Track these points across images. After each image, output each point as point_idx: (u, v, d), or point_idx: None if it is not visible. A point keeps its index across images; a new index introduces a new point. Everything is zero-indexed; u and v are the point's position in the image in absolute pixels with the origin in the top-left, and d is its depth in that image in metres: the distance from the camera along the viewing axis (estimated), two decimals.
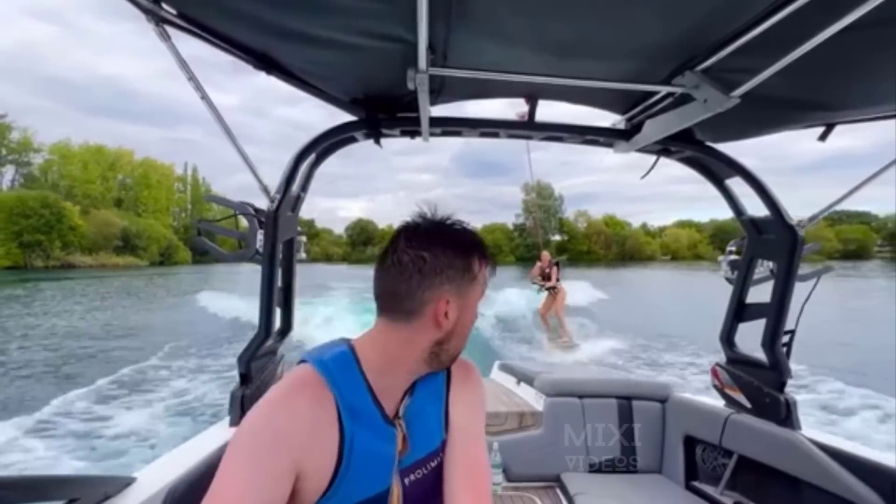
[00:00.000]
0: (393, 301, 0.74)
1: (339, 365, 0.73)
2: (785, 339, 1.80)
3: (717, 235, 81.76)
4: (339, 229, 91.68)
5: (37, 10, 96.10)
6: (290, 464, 0.64)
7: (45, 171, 60.65)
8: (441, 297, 0.73)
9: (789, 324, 1.81)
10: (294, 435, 0.65)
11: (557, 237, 75.66)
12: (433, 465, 0.80)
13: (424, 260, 0.72)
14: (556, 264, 9.63)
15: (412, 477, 0.77)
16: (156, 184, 69.58)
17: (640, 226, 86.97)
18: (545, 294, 9.54)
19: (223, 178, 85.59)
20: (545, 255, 9.83)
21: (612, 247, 75.73)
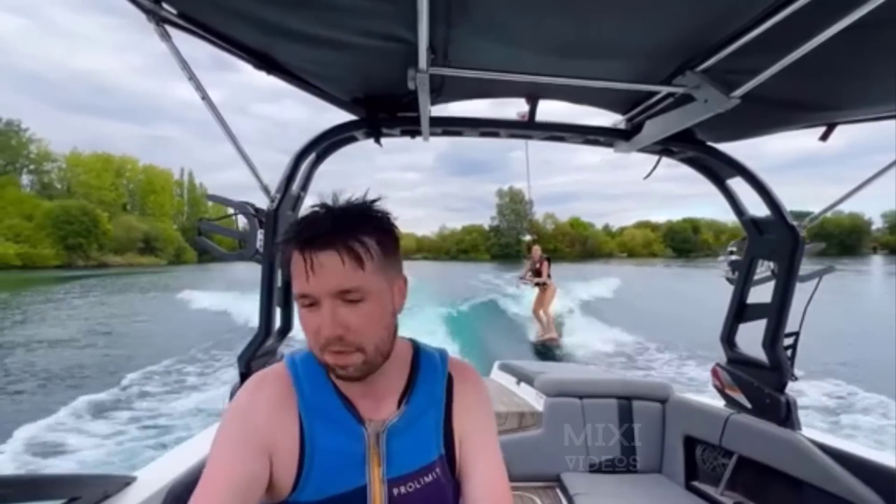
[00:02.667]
0: None
1: (307, 366, 0.75)
2: (788, 341, 1.81)
3: (669, 235, 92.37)
4: None
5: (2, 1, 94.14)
6: (259, 442, 0.69)
7: (62, 179, 66.38)
8: None
9: (792, 325, 1.80)
10: (257, 416, 0.70)
11: (528, 237, 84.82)
12: (427, 479, 0.75)
13: None
14: (548, 259, 9.39)
15: (402, 489, 0.74)
16: (160, 189, 75.55)
17: (603, 227, 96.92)
18: (536, 291, 9.32)
19: (201, 176, 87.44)
20: (536, 249, 9.56)
21: (575, 245, 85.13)
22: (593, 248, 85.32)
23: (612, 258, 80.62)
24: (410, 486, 0.74)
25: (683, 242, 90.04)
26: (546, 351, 8.47)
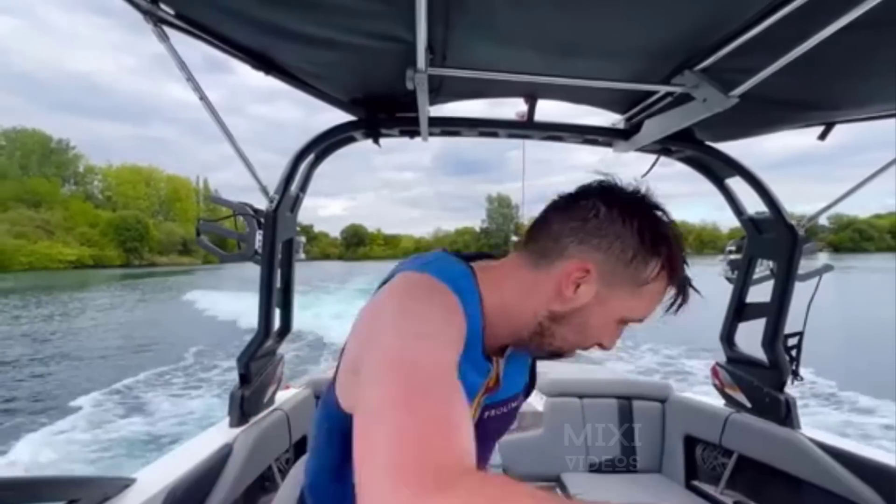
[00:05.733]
0: (539, 232, 0.67)
1: (466, 289, 0.63)
2: (793, 340, 1.81)
3: None
4: (319, 227, 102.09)
5: None
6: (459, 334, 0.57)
7: (102, 191, 75.65)
8: (584, 260, 0.61)
9: (797, 325, 1.80)
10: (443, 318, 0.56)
11: (515, 238, 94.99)
12: (513, 405, 0.80)
13: (598, 214, 0.62)
14: None
15: (493, 412, 0.75)
16: (184, 197, 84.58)
17: None
18: None
19: (197, 176, 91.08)
20: None
21: None
22: None
23: None
24: (499, 411, 0.76)
25: None
26: None
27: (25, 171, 61.58)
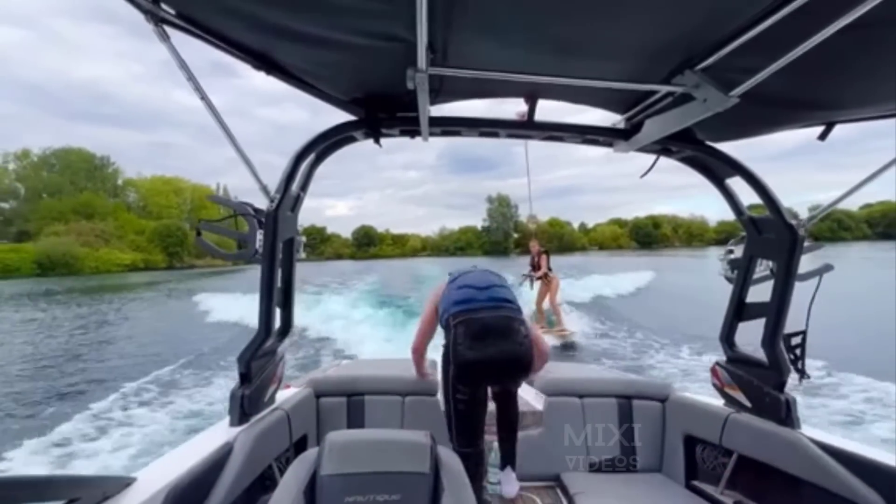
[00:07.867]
0: None
1: None
2: (797, 340, 1.81)
3: (634, 230, 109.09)
4: (331, 229, 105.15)
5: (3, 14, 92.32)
6: None
7: (137, 202, 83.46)
8: None
9: (799, 325, 1.81)
10: None
11: (516, 235, 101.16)
12: None
13: None
14: (546, 253, 9.47)
15: None
16: (209, 204, 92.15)
17: (579, 225, 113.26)
18: (538, 284, 9.44)
19: (204, 181, 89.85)
20: (534, 244, 9.61)
21: (553, 241, 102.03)
22: (568, 243, 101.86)
23: (587, 251, 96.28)
24: None
25: (646, 236, 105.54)
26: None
27: (75, 187, 69.48)
